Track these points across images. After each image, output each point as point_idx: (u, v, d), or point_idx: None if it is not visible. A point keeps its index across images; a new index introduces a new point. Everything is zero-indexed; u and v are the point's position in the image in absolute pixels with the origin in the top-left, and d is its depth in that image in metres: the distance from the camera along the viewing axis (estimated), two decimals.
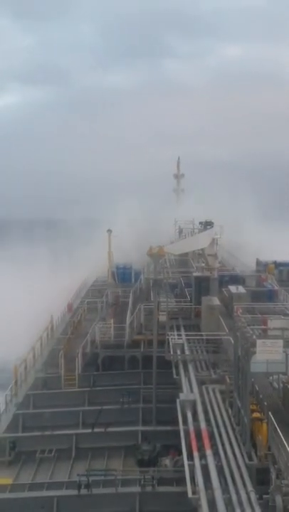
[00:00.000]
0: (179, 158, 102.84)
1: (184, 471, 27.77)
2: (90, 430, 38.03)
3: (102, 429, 37.75)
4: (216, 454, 28.50)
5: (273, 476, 25.75)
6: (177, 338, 44.36)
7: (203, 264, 58.74)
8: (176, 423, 32.76)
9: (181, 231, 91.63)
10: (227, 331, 43.53)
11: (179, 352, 41.72)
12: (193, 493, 25.87)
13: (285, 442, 25.56)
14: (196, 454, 28.48)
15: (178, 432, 31.63)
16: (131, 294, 61.49)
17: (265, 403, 29.21)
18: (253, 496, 24.83)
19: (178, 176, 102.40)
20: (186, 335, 45.87)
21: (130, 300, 59.09)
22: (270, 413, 27.99)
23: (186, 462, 28.22)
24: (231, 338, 37.66)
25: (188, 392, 35.35)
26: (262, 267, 73.52)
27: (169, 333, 45.04)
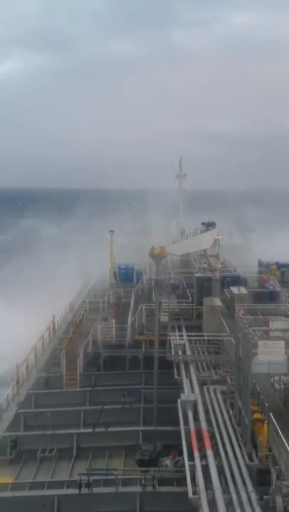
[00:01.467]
0: (181, 158, 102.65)
1: (184, 471, 27.87)
2: (91, 430, 38.10)
3: (103, 429, 37.80)
4: (216, 454, 28.57)
5: (274, 476, 25.79)
6: (178, 339, 44.46)
7: (205, 265, 58.86)
8: (177, 423, 32.85)
9: (183, 232, 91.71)
10: (228, 331, 43.58)
11: (180, 352, 41.80)
12: (194, 493, 25.94)
13: (285, 443, 25.64)
14: (196, 454, 28.56)
15: (179, 432, 31.72)
16: (133, 295, 61.55)
17: (267, 404, 29.26)
18: (254, 497, 24.89)
19: (180, 176, 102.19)
20: (188, 335, 45.99)
21: (132, 300, 59.16)
22: (271, 414, 28.04)
23: (186, 462, 28.31)
24: (233, 339, 37.72)
25: (190, 392, 35.43)
26: (264, 268, 73.55)
27: (171, 333, 45.14)
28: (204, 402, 34.03)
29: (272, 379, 33.64)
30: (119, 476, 31.57)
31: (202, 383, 37.09)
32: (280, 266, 71.44)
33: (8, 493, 31.73)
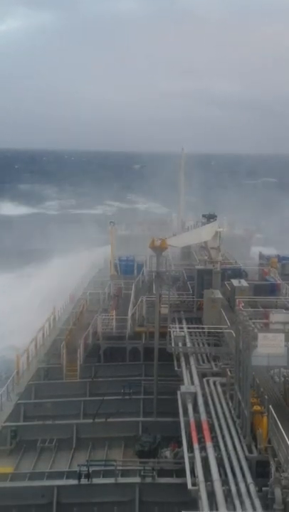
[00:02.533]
0: (183, 150, 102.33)
1: (183, 463, 28.01)
2: (90, 420, 38.17)
3: (103, 420, 37.88)
4: (216, 446, 28.70)
5: (273, 468, 25.92)
6: (179, 331, 44.54)
7: (206, 257, 58.82)
8: (177, 415, 32.96)
9: (184, 224, 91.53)
10: (229, 324, 43.63)
11: (180, 344, 41.91)
12: (193, 484, 26.07)
13: (285, 436, 25.72)
14: (196, 445, 28.68)
15: (178, 424, 31.85)
16: (133, 286, 61.54)
17: (266, 396, 29.33)
18: (253, 488, 25.04)
19: (181, 168, 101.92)
20: (188, 327, 46.08)
21: (132, 292, 59.16)
22: (270, 406, 28.11)
23: (186, 454, 28.44)
24: (233, 332, 37.80)
25: (189, 384, 35.54)
26: (265, 260, 73.48)
27: (171, 325, 45.21)
28: (204, 394, 34.16)
29: (272, 371, 33.70)
30: (118, 467, 31.65)
31: (202, 375, 37.21)
32: (280, 259, 71.37)
33: (8, 483, 31.83)
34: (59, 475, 32.51)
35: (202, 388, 34.99)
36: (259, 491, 25.04)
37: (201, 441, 29.19)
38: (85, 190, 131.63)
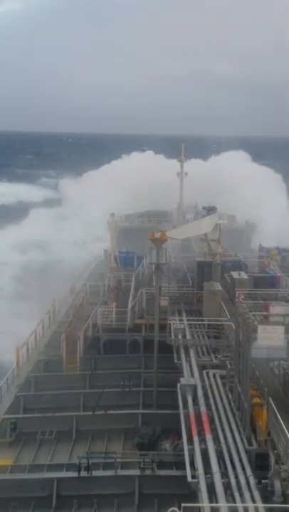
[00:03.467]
0: (182, 142, 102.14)
1: (183, 455, 27.99)
2: (90, 413, 38.18)
3: (103, 412, 37.89)
4: (215, 438, 28.69)
5: (272, 461, 25.92)
6: (179, 323, 44.51)
7: (206, 250, 58.73)
8: (177, 407, 32.96)
9: (184, 215, 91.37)
10: (228, 316, 43.61)
11: (180, 337, 41.88)
12: (193, 477, 26.07)
13: (284, 428, 25.71)
14: (195, 438, 28.67)
15: (178, 416, 31.84)
16: (133, 278, 61.49)
17: (266, 389, 29.30)
18: (252, 481, 25.04)
19: (181, 160, 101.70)
20: (188, 320, 46.04)
21: (132, 284, 59.10)
22: (270, 399, 28.09)
23: (185, 446, 28.44)
24: (233, 324, 37.76)
25: (189, 376, 35.51)
26: (265, 252, 73.41)
27: (171, 317, 45.19)
28: (204, 387, 34.14)
29: (271, 364, 33.68)
30: (118, 459, 31.68)
31: (202, 367, 37.18)
32: (280, 251, 71.33)
33: (7, 476, 31.88)
34: (59, 467, 32.56)
35: (202, 380, 34.97)
36: (259, 483, 25.04)
37: (201, 433, 29.17)
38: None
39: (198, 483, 25.43)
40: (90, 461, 30.89)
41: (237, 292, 49.55)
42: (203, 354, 40.09)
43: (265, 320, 31.97)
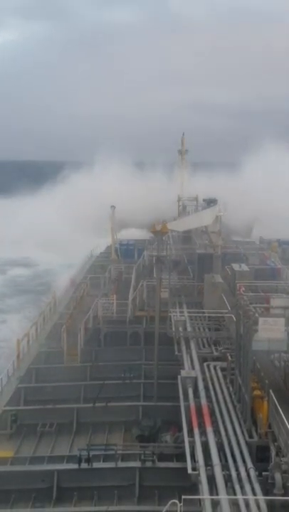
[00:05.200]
0: (183, 135, 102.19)
1: (184, 447, 27.97)
2: (91, 405, 38.17)
3: (103, 404, 37.89)
4: (216, 430, 28.67)
5: (273, 453, 25.90)
6: (179, 315, 44.48)
7: (207, 242, 58.75)
8: (177, 399, 32.94)
9: (184, 208, 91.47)
10: (229, 308, 43.59)
11: (180, 329, 41.86)
12: (193, 469, 26.03)
13: (285, 420, 25.66)
14: (196, 430, 28.66)
15: (179, 408, 31.82)
16: (134, 271, 61.52)
17: (267, 381, 29.28)
18: (253, 473, 25.01)
19: (182, 152, 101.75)
20: (189, 312, 46.02)
21: (133, 276, 59.13)
22: (271, 391, 28.06)
23: (186, 438, 28.39)
24: (233, 316, 37.72)
25: (190, 368, 35.51)
26: (265, 244, 73.46)
27: (171, 309, 45.17)
28: (204, 379, 34.13)
29: (272, 356, 33.66)
30: (118, 451, 31.67)
31: (202, 360, 37.17)
32: (281, 243, 71.44)
33: (8, 468, 31.86)
34: (59, 459, 32.54)
35: (202, 373, 34.96)
36: (259, 475, 25.01)
37: (202, 425, 29.15)
38: None
39: (198, 475, 25.40)
40: (91, 453, 30.86)
41: (238, 284, 49.52)
42: (204, 346, 40.09)
43: (266, 312, 31.90)
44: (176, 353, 39.51)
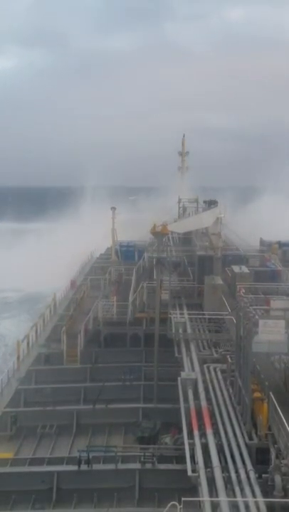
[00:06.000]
0: (184, 136, 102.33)
1: (184, 449, 27.97)
2: (91, 406, 38.17)
3: (103, 406, 37.89)
4: (216, 432, 28.66)
5: (273, 455, 25.85)
6: (179, 317, 44.48)
7: (207, 243, 58.73)
8: (177, 401, 32.92)
9: (185, 209, 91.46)
10: (229, 310, 43.57)
11: (181, 330, 41.85)
12: (193, 471, 26.05)
13: (285, 422, 25.66)
14: (196, 432, 28.65)
15: (179, 410, 31.82)
16: (134, 272, 61.52)
17: (266, 383, 29.25)
18: (253, 475, 24.99)
19: (183, 154, 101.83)
20: (189, 314, 46.02)
21: (133, 278, 59.14)
22: (270, 393, 28.04)
23: (186, 440, 28.40)
24: (233, 318, 37.70)
25: (190, 370, 35.51)
26: (266, 246, 73.41)
27: (172, 311, 45.16)
28: (204, 381, 34.12)
29: (272, 358, 33.64)
30: (118, 453, 31.64)
31: (202, 361, 37.16)
32: (281, 245, 71.36)
33: (8, 469, 31.85)
34: (59, 461, 32.52)
35: (202, 375, 34.95)
36: (259, 477, 24.99)
37: (201, 427, 29.16)
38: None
39: (198, 477, 25.41)
40: (91, 455, 30.86)
41: (238, 286, 49.52)
42: (204, 348, 40.08)
43: (266, 314, 31.88)
44: (176, 354, 39.49)
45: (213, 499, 23.46)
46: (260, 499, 23.38)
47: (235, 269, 53.57)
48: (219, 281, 49.31)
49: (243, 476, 25.03)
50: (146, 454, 31.18)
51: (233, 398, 31.84)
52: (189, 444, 27.96)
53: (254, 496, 23.71)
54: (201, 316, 44.85)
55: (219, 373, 35.13)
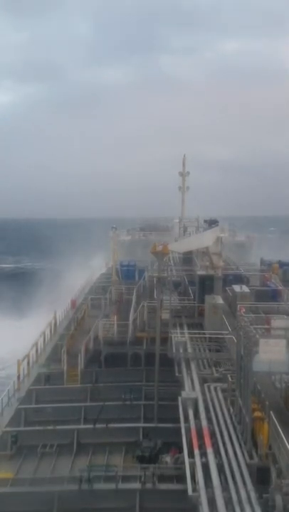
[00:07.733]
0: (184, 156, 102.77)
1: (184, 469, 27.88)
2: (91, 426, 38.11)
3: (104, 425, 37.82)
4: (216, 452, 28.59)
5: (274, 475, 25.83)
6: (180, 336, 44.49)
7: (208, 263, 58.86)
8: (178, 421, 32.88)
9: (185, 229, 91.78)
10: (230, 329, 43.61)
11: (181, 350, 41.85)
12: (194, 490, 25.94)
13: (286, 442, 25.68)
14: (196, 451, 28.59)
15: (179, 430, 31.74)
16: (134, 292, 61.65)
17: (267, 402, 29.27)
18: (253, 495, 24.88)
19: (183, 174, 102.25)
20: (189, 333, 46.01)
21: (134, 297, 59.24)
22: (271, 412, 28.05)
23: (186, 460, 28.31)
24: (234, 337, 37.75)
25: (190, 390, 35.44)
26: (266, 266, 73.57)
27: (172, 331, 45.18)
28: (205, 400, 34.05)
29: (273, 377, 33.65)
30: (119, 473, 31.59)
31: (203, 381, 37.11)
32: (282, 264, 71.52)
33: (8, 489, 31.74)
34: (60, 480, 32.41)
35: (203, 394, 34.89)
36: (260, 497, 24.88)
37: (202, 447, 29.10)
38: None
39: (199, 497, 25.33)
40: (91, 475, 30.81)
41: (238, 305, 49.60)
42: (205, 367, 40.03)
43: (267, 333, 31.96)
44: (177, 374, 39.44)
45: None
46: None
47: (236, 288, 53.69)
48: (220, 300, 49.38)
49: (243, 495, 24.93)
50: (147, 473, 31.11)
51: (233, 417, 31.79)
52: (190, 463, 27.88)
53: None
54: (201, 336, 44.84)
55: (220, 392, 35.08)
